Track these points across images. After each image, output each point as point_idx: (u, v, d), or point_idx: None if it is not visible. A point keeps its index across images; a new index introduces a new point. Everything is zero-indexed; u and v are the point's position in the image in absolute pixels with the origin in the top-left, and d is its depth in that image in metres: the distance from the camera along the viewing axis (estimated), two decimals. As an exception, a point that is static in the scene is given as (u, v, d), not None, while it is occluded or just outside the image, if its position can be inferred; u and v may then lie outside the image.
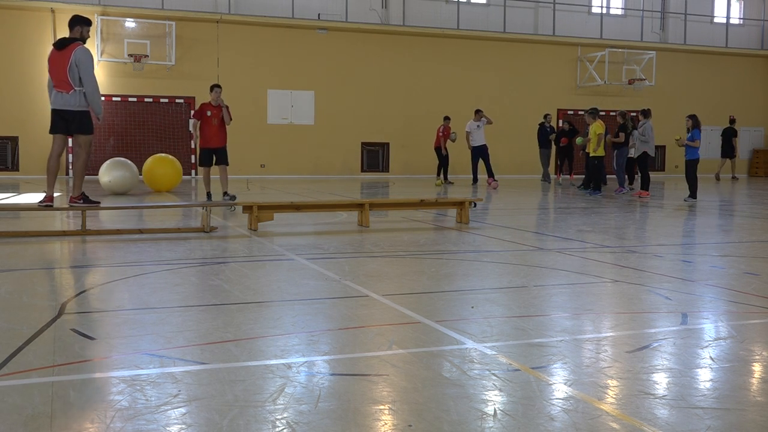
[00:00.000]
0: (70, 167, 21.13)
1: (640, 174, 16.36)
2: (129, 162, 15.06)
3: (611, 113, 25.46)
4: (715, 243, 8.91)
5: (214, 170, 12.55)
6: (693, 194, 14.64)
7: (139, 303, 5.20)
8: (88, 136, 8.87)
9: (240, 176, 21.90)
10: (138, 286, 5.80)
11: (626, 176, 17.91)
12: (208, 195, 12.59)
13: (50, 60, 8.71)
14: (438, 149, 20.29)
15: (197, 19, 22.25)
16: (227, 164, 12.56)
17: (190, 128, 13.28)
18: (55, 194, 9.43)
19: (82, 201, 8.99)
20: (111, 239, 8.32)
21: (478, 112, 19.64)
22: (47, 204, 8.87)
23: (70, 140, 10.95)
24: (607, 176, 17.50)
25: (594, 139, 16.75)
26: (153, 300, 5.38)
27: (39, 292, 5.36)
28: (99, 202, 9.33)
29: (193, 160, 22.44)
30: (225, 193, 12.45)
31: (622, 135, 17.07)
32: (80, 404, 3.08)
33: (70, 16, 9.03)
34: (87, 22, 8.91)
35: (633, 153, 17.90)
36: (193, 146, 12.16)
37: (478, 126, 19.30)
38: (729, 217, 12.27)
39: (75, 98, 8.65)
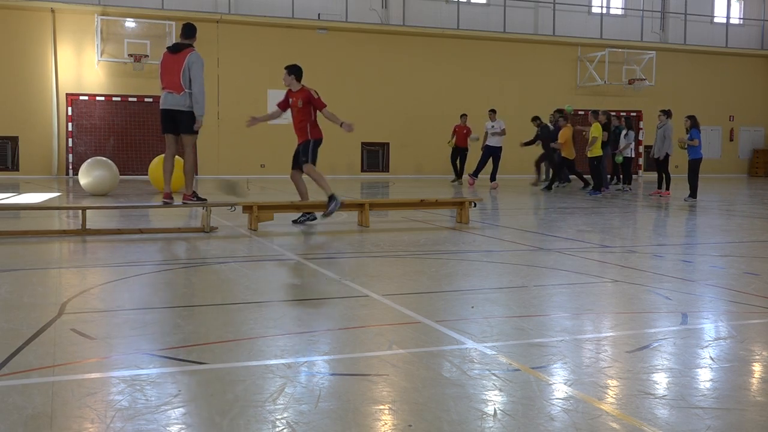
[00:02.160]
0: (70, 167, 21.13)
1: (663, 175, 16.46)
2: (109, 161, 14.59)
3: (611, 113, 25.43)
4: (715, 243, 8.91)
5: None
6: (693, 194, 14.71)
7: (139, 303, 5.20)
8: (193, 136, 9.14)
9: (240, 176, 21.92)
10: (138, 286, 5.80)
11: (619, 175, 18.03)
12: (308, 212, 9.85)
13: (163, 63, 9.06)
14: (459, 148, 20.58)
15: (197, 19, 22.18)
16: (307, 162, 9.86)
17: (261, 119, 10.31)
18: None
19: (194, 198, 9.22)
20: (111, 239, 8.32)
21: (490, 111, 19.82)
22: (167, 201, 9.21)
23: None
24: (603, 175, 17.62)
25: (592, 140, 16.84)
26: (153, 300, 5.38)
27: (39, 292, 5.36)
28: (206, 200, 9.45)
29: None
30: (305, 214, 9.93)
31: (605, 134, 17.16)
32: (80, 404, 3.08)
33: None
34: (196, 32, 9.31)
35: (630, 153, 18.07)
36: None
37: (492, 126, 19.47)
38: (729, 217, 12.27)
39: (186, 99, 8.95)
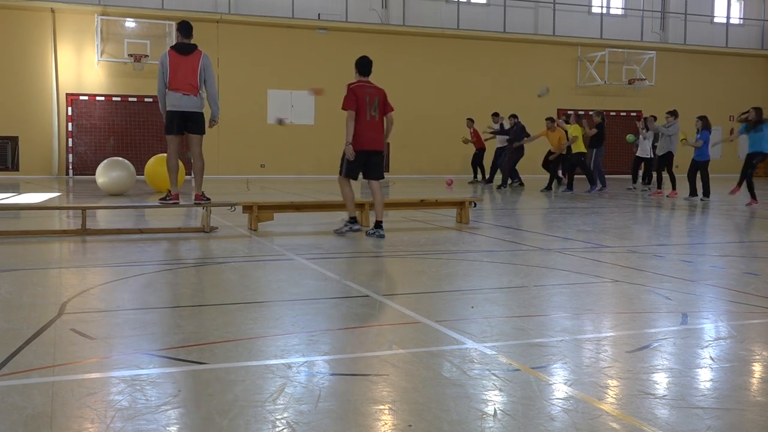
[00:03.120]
0: (70, 167, 21.13)
1: (667, 174, 16.82)
2: (126, 162, 14.76)
3: (611, 113, 25.48)
4: (715, 243, 8.91)
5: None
6: (706, 193, 15.16)
7: (139, 303, 5.20)
8: (202, 136, 9.16)
9: (240, 176, 21.92)
10: (138, 286, 5.80)
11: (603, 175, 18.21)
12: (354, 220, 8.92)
13: (172, 63, 8.87)
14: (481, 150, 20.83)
15: (197, 19, 22.19)
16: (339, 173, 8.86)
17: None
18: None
19: (204, 198, 9.19)
20: (111, 239, 8.32)
21: (493, 115, 19.98)
22: (174, 201, 9.19)
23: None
24: (574, 175, 17.81)
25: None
26: (153, 300, 5.38)
27: (39, 292, 5.36)
28: (210, 199, 9.40)
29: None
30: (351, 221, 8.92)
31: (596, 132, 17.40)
32: (80, 404, 3.08)
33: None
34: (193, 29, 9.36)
35: (641, 152, 18.27)
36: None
37: (498, 126, 19.68)
38: (729, 217, 12.27)
39: (201, 101, 9.04)
